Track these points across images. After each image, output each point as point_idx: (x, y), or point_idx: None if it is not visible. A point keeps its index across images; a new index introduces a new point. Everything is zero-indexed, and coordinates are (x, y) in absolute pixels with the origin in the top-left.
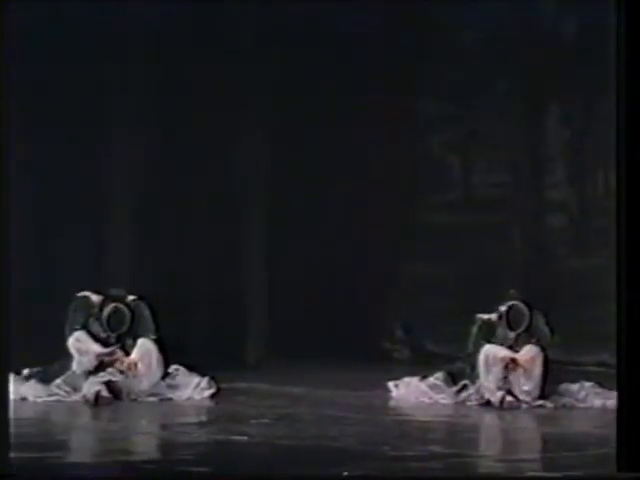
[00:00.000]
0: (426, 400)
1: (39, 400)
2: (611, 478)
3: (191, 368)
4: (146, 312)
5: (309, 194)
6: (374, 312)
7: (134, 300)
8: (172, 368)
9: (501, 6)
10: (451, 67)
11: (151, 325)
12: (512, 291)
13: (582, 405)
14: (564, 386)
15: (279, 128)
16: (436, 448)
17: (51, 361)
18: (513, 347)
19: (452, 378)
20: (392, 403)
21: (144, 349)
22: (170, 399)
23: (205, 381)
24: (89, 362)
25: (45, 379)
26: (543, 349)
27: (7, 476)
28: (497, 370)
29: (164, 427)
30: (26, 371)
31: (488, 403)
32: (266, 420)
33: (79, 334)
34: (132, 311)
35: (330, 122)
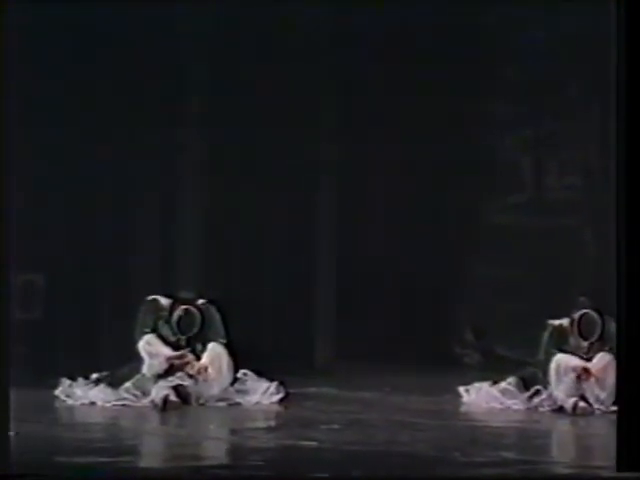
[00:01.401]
0: (497, 405)
1: (107, 405)
2: (611, 478)
3: (260, 373)
4: (216, 316)
5: (379, 196)
6: (444, 316)
7: (204, 303)
8: (240, 373)
9: (575, 5)
10: (524, 67)
11: (221, 329)
12: (582, 299)
13: None
14: None
15: (350, 130)
16: (508, 454)
17: (120, 365)
18: (586, 355)
19: (524, 383)
20: (463, 408)
21: (214, 353)
22: (239, 404)
23: (274, 386)
24: (159, 365)
25: (114, 383)
26: None
27: (8, 476)
28: (569, 380)
29: (233, 432)
30: (95, 375)
31: (561, 409)
32: (336, 425)
33: (149, 337)
34: (202, 314)
35: (400, 122)
